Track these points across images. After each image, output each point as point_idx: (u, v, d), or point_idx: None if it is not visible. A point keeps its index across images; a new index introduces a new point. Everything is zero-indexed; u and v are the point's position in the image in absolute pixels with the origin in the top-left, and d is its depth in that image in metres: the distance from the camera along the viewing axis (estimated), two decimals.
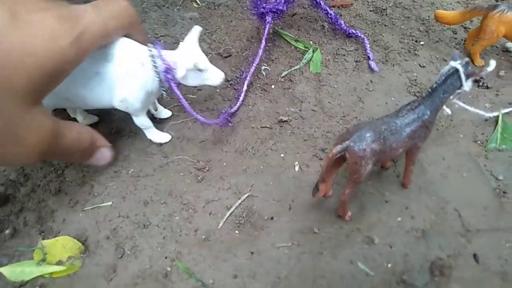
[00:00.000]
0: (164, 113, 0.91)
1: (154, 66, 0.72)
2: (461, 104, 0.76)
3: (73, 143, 0.64)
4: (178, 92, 0.76)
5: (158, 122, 0.89)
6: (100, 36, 0.63)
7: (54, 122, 0.59)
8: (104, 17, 0.62)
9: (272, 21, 1.03)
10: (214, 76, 0.78)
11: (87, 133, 0.69)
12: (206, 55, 1.08)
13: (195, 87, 0.96)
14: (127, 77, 0.71)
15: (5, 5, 0.51)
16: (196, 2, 1.26)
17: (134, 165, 0.82)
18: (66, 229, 0.72)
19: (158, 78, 0.74)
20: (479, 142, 0.87)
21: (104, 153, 0.75)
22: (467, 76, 0.66)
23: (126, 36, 0.72)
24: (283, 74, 1.03)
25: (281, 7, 1.02)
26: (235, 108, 0.91)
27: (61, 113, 0.86)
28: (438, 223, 0.72)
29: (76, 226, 0.73)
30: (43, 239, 0.70)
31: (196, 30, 0.76)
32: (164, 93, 0.79)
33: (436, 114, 0.68)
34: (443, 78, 0.65)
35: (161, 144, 0.86)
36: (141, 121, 0.81)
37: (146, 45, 0.75)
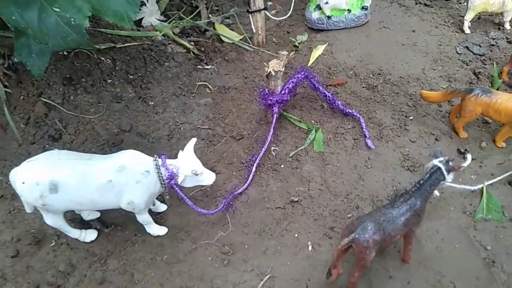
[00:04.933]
0: (161, 207, 1.03)
1: (159, 173, 0.87)
2: (448, 184, 0.89)
3: None
4: (181, 194, 0.91)
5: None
6: None
7: None
8: None
9: (279, 110, 1.18)
10: (207, 178, 0.93)
11: None
12: (221, 139, 1.24)
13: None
14: (134, 184, 0.85)
15: None
16: (208, 87, 1.42)
17: (167, 251, 0.94)
18: None
19: (162, 183, 0.88)
20: (468, 213, 1.00)
21: None
22: (448, 171, 0.79)
23: None
24: (290, 155, 1.16)
25: (286, 98, 1.17)
26: (238, 191, 1.05)
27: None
28: None
29: None
30: None
31: (192, 141, 0.92)
32: (167, 194, 0.92)
33: (426, 202, 0.81)
34: (428, 175, 0.79)
35: (159, 236, 0.97)
36: (144, 218, 0.93)
37: None
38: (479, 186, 1.03)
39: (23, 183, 0.83)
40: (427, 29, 1.65)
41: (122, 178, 0.84)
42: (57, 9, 0.88)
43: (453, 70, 1.44)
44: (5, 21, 1.11)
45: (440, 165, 0.78)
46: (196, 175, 0.89)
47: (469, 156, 0.82)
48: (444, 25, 1.68)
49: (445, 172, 0.79)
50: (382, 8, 1.80)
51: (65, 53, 1.37)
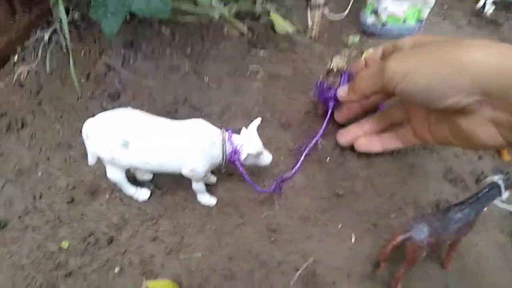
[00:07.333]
0: (212, 178, 1.05)
1: (224, 146, 0.90)
2: (499, 201, 0.92)
3: None
4: (242, 169, 0.93)
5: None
6: None
7: None
8: None
9: (334, 105, 1.21)
10: (265, 158, 0.97)
11: None
12: (270, 124, 1.27)
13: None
14: (199, 152, 0.88)
15: None
16: (260, 73, 1.45)
17: (216, 221, 0.98)
18: (164, 273, 0.87)
19: (224, 156, 0.91)
20: (505, 232, 1.03)
21: None
22: (506, 188, 0.82)
23: None
24: (337, 150, 1.20)
25: None
26: (288, 176, 1.08)
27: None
28: None
29: (172, 271, 0.87)
30: (146, 279, 0.85)
31: (257, 121, 0.94)
32: (224, 168, 0.95)
33: (479, 215, 0.84)
34: (486, 189, 0.82)
35: (209, 207, 1.01)
36: (199, 186, 0.96)
37: None
38: None
39: (96, 135, 0.86)
40: None
41: (190, 145, 0.87)
42: None
43: None
44: None
45: (500, 182, 0.82)
46: (258, 155, 0.92)
47: None
48: None
49: (503, 189, 0.82)
50: (435, 23, 1.82)
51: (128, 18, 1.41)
